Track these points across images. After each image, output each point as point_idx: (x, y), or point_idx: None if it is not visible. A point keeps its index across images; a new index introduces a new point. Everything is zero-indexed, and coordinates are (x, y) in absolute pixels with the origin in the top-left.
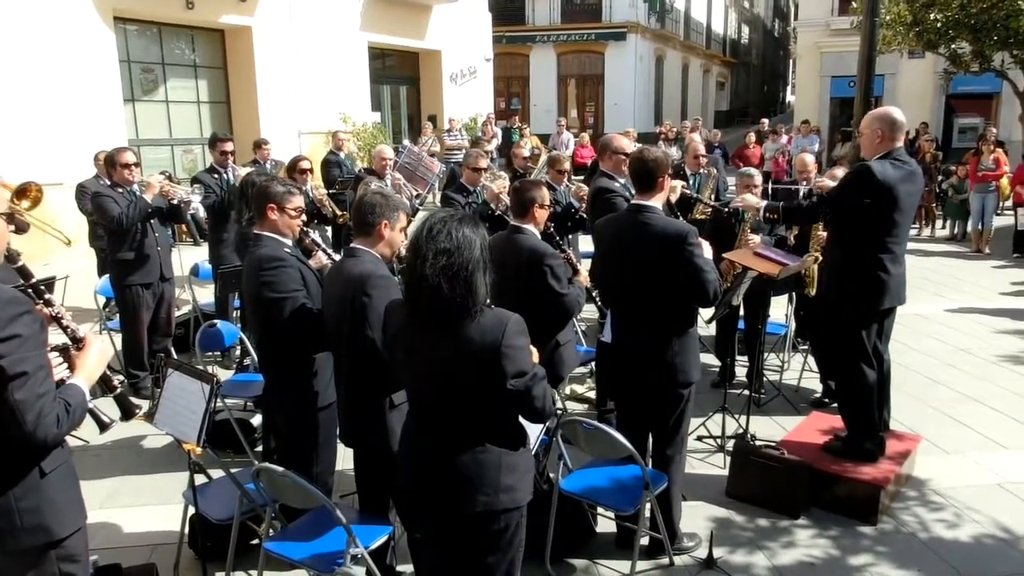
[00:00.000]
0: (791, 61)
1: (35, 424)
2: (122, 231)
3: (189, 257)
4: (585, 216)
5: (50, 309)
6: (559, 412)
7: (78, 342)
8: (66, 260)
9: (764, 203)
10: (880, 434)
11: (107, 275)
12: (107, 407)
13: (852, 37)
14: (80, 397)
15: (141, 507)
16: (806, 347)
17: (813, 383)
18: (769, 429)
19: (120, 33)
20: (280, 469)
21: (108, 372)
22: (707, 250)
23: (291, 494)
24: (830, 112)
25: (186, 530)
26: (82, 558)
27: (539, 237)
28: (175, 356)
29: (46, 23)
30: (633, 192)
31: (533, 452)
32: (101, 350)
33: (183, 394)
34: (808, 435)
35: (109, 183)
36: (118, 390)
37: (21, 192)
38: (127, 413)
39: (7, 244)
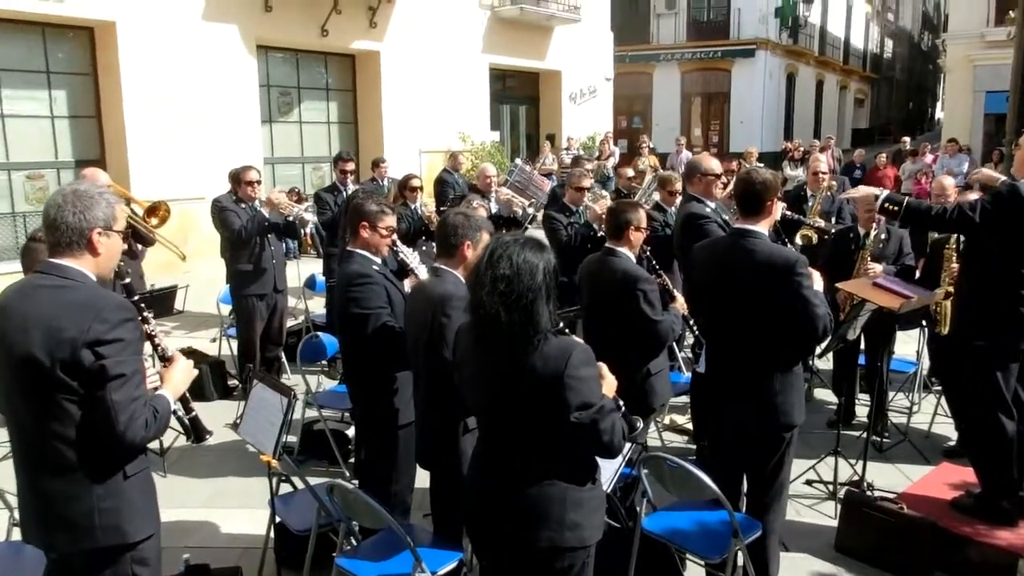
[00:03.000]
0: (941, 75)
1: (126, 425)
2: (241, 243)
3: (311, 269)
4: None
5: (146, 326)
6: (642, 445)
7: (167, 360)
8: (205, 269)
9: (885, 192)
10: (1020, 493)
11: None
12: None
13: (1009, 49)
14: (166, 407)
15: (239, 509)
16: (940, 388)
17: (947, 429)
18: (892, 478)
19: (262, 59)
20: (351, 486)
21: (187, 395)
22: (818, 281)
23: (361, 512)
24: (984, 130)
25: (271, 535)
26: (153, 563)
27: (633, 260)
28: (285, 364)
29: (197, 53)
30: (724, 218)
31: (610, 488)
32: (186, 368)
33: (264, 406)
34: (935, 488)
35: (235, 198)
36: (193, 412)
37: (152, 210)
38: (198, 436)
39: (118, 261)
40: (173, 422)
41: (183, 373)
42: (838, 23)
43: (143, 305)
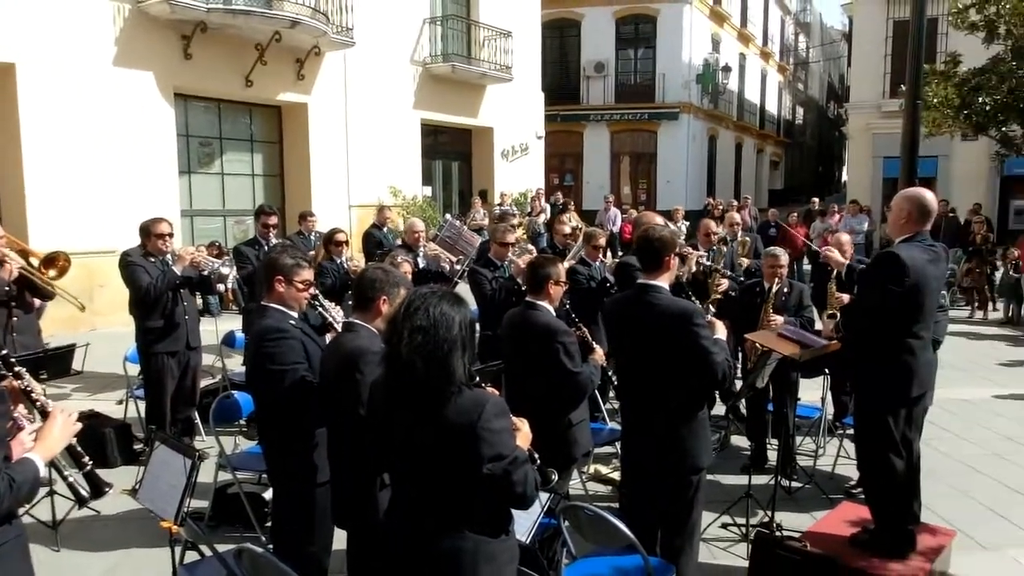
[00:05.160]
0: (846, 142)
1: None
2: (150, 300)
3: (231, 326)
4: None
5: (19, 382)
6: (563, 495)
7: (47, 416)
8: (114, 326)
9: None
10: (910, 528)
11: None
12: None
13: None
14: (31, 472)
15: None
16: (842, 432)
17: (849, 470)
18: (800, 519)
19: (180, 108)
20: (260, 550)
21: (79, 448)
22: (720, 330)
23: None
24: (883, 192)
25: None
26: None
27: (553, 314)
28: (199, 426)
29: (108, 99)
30: None
31: (528, 539)
32: (64, 423)
33: (166, 469)
34: (836, 527)
35: (144, 252)
36: (88, 467)
37: (49, 261)
38: (96, 490)
39: None
40: (64, 489)
41: (60, 430)
42: (754, 91)
43: (13, 360)
